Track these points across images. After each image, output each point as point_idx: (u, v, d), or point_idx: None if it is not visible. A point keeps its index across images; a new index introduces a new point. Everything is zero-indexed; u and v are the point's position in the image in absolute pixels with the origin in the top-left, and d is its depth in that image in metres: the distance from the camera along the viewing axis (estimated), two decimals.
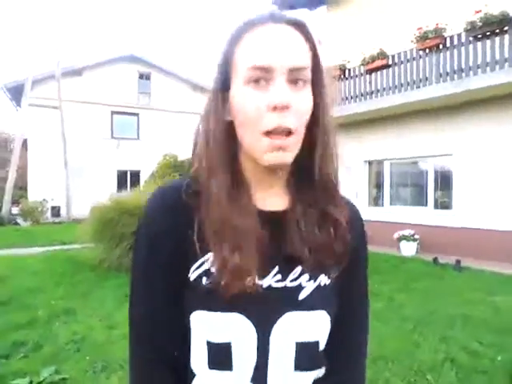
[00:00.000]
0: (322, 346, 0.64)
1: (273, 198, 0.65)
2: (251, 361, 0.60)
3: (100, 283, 5.20)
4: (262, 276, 0.60)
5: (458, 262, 6.19)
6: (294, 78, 0.57)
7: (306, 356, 0.62)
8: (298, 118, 0.57)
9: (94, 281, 5.32)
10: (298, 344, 0.61)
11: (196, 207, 0.60)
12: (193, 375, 0.62)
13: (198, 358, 0.61)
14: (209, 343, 0.59)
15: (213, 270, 0.59)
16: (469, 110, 7.22)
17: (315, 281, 0.63)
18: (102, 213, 5.99)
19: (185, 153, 13.81)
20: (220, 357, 0.59)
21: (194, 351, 0.62)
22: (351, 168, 9.47)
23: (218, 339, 0.59)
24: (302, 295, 0.62)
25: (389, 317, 3.85)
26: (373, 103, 8.17)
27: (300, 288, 0.62)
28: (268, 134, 0.56)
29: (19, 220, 14.74)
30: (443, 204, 7.97)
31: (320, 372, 0.66)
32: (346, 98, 8.68)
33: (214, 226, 0.59)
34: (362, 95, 8.59)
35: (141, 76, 17.53)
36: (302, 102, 0.58)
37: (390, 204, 8.93)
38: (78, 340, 3.28)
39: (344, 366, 0.69)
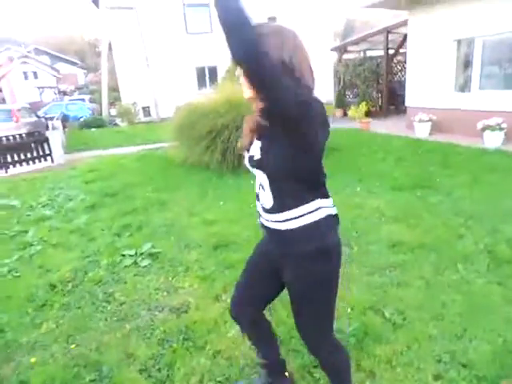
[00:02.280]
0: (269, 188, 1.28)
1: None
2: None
3: (186, 178, 6.03)
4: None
5: None
6: None
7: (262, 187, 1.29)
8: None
9: (181, 176, 6.18)
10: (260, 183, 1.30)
11: None
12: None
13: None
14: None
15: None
16: None
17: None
18: (183, 116, 6.63)
19: None
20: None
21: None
22: (437, 49, 8.53)
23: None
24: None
25: (442, 210, 4.01)
26: None
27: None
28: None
29: (118, 121, 16.44)
30: None
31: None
32: None
33: None
34: None
35: None
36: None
37: (479, 88, 8.06)
38: (168, 224, 4.12)
39: None
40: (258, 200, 1.34)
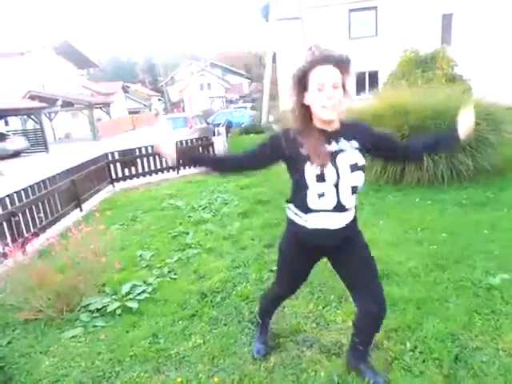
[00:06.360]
0: (359, 188, 1.61)
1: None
2: (333, 179, 1.54)
3: None
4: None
5: None
6: (334, 86, 1.49)
7: (354, 189, 1.59)
8: (336, 100, 1.49)
9: None
10: (352, 186, 1.59)
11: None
12: (307, 188, 1.57)
13: (310, 178, 1.55)
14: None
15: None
16: None
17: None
18: None
19: (427, 46, 12.07)
20: (321, 176, 1.53)
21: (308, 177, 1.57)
22: None
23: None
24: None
25: None
26: None
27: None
28: (324, 107, 1.50)
29: (274, 127, 17.14)
30: None
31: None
32: None
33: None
34: None
35: None
36: (338, 94, 1.50)
37: None
38: None
39: None
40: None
